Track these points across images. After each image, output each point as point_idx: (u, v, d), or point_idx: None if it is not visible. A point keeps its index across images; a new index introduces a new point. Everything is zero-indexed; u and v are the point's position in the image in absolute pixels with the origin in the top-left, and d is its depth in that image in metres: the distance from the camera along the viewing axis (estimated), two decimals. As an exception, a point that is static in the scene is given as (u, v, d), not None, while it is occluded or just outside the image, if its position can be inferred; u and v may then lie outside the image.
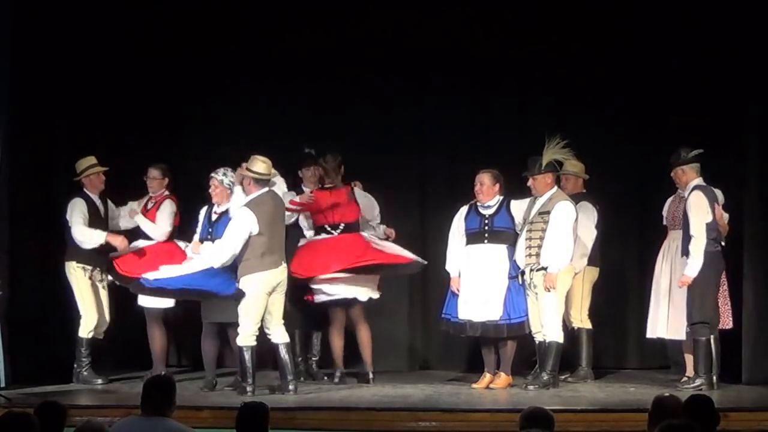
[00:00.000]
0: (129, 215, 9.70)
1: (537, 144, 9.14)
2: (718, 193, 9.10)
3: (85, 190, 9.55)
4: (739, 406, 7.96)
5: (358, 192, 9.58)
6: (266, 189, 8.85)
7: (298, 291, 9.27)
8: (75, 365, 9.47)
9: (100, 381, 9.44)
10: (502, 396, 8.84)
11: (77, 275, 9.48)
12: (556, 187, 9.16)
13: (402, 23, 10.27)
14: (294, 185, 9.67)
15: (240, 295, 8.68)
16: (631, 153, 10.41)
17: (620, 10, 10.10)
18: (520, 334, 9.10)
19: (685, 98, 10.15)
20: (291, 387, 8.71)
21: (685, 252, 8.83)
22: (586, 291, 9.58)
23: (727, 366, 9.04)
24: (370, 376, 9.40)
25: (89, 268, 9.50)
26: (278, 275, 8.78)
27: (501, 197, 9.21)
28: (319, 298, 9.38)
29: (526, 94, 10.34)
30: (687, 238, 8.83)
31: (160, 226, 9.58)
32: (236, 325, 8.78)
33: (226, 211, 9.10)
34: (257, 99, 10.56)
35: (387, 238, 9.61)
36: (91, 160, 9.60)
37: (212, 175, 9.17)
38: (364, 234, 9.48)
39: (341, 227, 9.44)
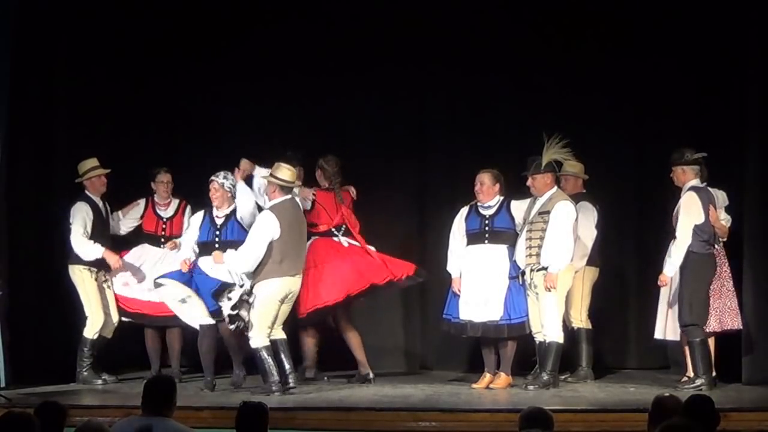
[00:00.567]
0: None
1: (537, 144, 9.15)
2: (722, 194, 9.10)
3: (87, 192, 9.55)
4: (739, 406, 7.96)
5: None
6: (289, 196, 8.91)
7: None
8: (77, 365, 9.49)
9: (99, 381, 9.45)
10: (502, 396, 8.84)
11: (83, 277, 9.49)
12: (555, 187, 9.16)
13: (402, 23, 10.27)
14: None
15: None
16: (631, 153, 10.41)
17: (620, 10, 10.10)
18: (520, 334, 9.10)
19: (686, 98, 10.14)
20: (291, 382, 8.76)
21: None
22: (586, 291, 9.58)
23: (727, 366, 9.05)
24: (371, 375, 9.40)
25: (95, 269, 9.51)
26: (293, 284, 8.84)
27: (501, 197, 9.21)
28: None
29: (526, 94, 10.33)
30: (673, 238, 8.86)
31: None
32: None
33: (232, 214, 9.09)
34: (257, 99, 10.56)
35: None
36: (93, 162, 9.59)
37: (212, 178, 9.17)
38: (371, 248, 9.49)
39: (342, 229, 9.49)
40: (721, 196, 9.15)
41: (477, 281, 9.09)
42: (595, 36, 10.21)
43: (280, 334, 8.87)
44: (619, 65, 10.19)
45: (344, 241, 9.52)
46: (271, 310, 8.77)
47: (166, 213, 9.79)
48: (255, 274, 8.77)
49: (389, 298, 10.58)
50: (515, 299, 9.05)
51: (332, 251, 9.42)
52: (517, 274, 9.07)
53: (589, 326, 9.59)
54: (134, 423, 5.56)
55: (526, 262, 9.04)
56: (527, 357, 9.48)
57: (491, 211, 9.19)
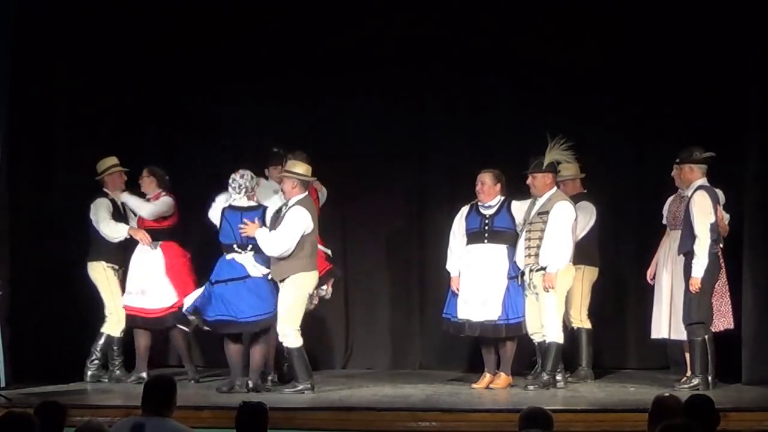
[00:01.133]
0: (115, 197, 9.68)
1: (537, 144, 9.15)
2: (720, 193, 9.10)
3: (105, 189, 9.63)
4: (739, 406, 7.95)
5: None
6: (307, 192, 8.93)
7: None
8: (108, 365, 9.56)
9: (133, 378, 9.44)
10: (502, 396, 8.84)
11: (107, 275, 9.56)
12: (555, 188, 9.16)
13: (402, 23, 10.27)
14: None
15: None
16: (631, 153, 10.41)
17: (620, 10, 10.10)
18: (518, 334, 9.10)
19: (686, 98, 10.14)
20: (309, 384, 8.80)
21: (682, 251, 8.85)
22: (586, 291, 9.58)
23: (727, 366, 9.05)
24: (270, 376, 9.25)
25: (117, 267, 9.58)
26: (317, 278, 8.89)
27: (502, 197, 9.21)
28: None
29: (526, 94, 10.33)
30: (687, 238, 8.83)
31: (149, 205, 9.57)
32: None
33: (257, 207, 9.06)
34: (257, 99, 10.56)
35: None
36: (113, 160, 9.70)
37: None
38: None
39: None
40: (720, 195, 9.15)
41: (476, 281, 9.09)
42: (595, 36, 10.21)
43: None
44: (619, 65, 10.19)
45: None
46: (302, 303, 8.80)
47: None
48: (285, 268, 8.75)
49: (389, 297, 10.60)
50: (514, 299, 9.05)
51: None
52: (516, 275, 9.08)
53: (589, 326, 9.59)
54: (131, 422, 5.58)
55: (525, 262, 9.04)
56: (527, 357, 9.49)
57: (492, 211, 9.18)
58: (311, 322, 9.41)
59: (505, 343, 9.14)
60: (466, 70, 10.38)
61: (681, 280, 8.90)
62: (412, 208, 10.69)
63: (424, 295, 10.55)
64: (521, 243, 9.08)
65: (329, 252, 9.45)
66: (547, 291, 8.91)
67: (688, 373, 8.90)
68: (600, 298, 9.79)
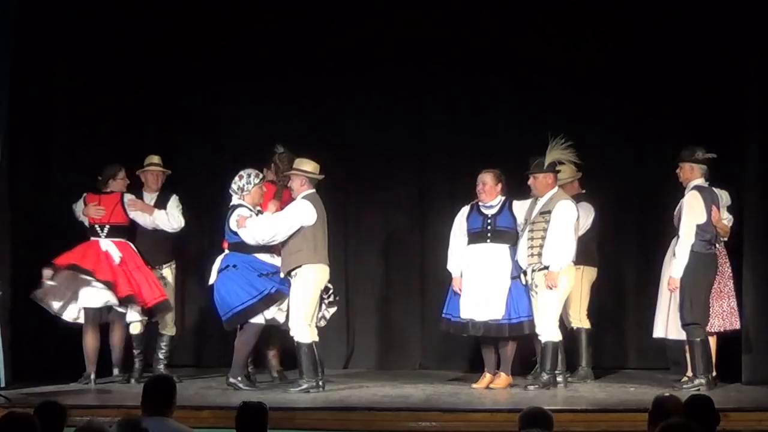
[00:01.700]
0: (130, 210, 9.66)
1: (537, 144, 9.15)
2: (724, 194, 9.10)
3: (143, 189, 9.73)
4: (739, 406, 7.95)
5: None
6: (314, 189, 8.95)
7: None
8: (152, 363, 9.61)
9: (175, 377, 9.46)
10: (502, 396, 8.83)
11: (174, 276, 9.80)
12: (557, 188, 9.16)
13: (402, 23, 10.28)
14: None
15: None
16: (631, 153, 10.42)
17: (620, 10, 10.11)
18: (521, 334, 9.10)
19: (686, 98, 10.15)
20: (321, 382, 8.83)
21: (673, 251, 8.86)
22: (585, 291, 9.59)
23: (727, 366, 9.05)
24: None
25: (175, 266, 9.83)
26: (327, 273, 8.87)
27: (503, 197, 9.20)
28: None
29: (526, 94, 10.33)
30: (677, 238, 8.86)
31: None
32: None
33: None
34: (257, 99, 10.56)
35: None
36: (155, 158, 9.78)
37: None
38: None
39: None
40: (725, 196, 9.14)
41: (479, 280, 9.09)
42: (595, 36, 10.21)
43: (316, 336, 8.89)
44: (619, 65, 10.19)
45: None
46: (314, 297, 8.80)
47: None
48: (291, 261, 8.77)
49: (389, 298, 10.60)
50: (516, 299, 9.04)
51: None
52: (518, 274, 9.07)
53: (589, 326, 9.59)
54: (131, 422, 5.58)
55: (527, 262, 9.04)
56: (527, 357, 9.49)
57: (494, 211, 9.18)
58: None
59: (506, 342, 9.14)
60: (466, 70, 10.39)
61: (678, 280, 8.94)
62: (412, 208, 10.69)
63: (425, 294, 10.55)
64: (524, 243, 9.08)
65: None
66: (551, 290, 8.91)
67: (689, 374, 8.91)
68: (600, 298, 9.80)
